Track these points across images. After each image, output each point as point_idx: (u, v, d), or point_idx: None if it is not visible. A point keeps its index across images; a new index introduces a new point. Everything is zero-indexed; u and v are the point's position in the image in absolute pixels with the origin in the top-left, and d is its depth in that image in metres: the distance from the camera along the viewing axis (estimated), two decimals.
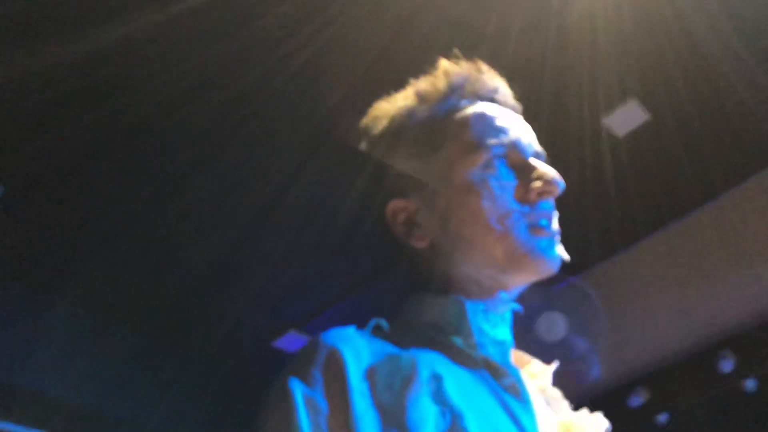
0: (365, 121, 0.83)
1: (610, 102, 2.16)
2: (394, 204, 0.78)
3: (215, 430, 2.94)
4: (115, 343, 2.74)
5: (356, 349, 0.64)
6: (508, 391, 0.68)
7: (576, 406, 0.78)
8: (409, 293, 0.79)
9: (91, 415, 2.62)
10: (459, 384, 0.65)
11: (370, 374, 0.62)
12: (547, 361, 0.80)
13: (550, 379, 0.77)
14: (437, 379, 0.63)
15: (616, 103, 2.18)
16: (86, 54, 1.87)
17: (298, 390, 0.59)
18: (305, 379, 0.60)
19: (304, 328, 2.88)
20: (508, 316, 0.77)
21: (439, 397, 0.62)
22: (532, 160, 0.77)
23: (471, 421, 0.61)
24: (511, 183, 0.75)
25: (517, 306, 0.77)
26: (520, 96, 0.84)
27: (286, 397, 0.59)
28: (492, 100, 0.81)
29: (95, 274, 2.54)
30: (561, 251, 0.75)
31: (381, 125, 0.81)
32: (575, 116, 2.16)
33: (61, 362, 2.62)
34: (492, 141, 0.76)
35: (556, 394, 0.76)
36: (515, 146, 0.77)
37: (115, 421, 2.67)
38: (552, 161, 0.80)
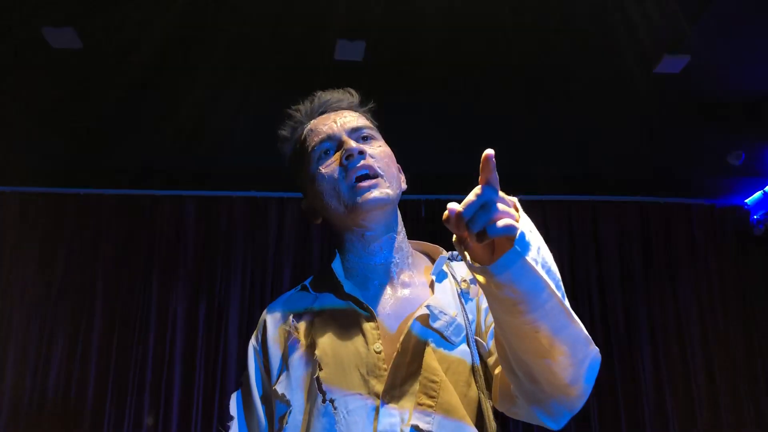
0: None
1: None
2: (303, 204, 1.22)
3: None
4: None
5: (274, 312, 1.16)
6: (361, 309, 1.08)
7: None
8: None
9: None
10: (330, 314, 1.10)
11: (280, 329, 1.13)
12: None
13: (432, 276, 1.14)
14: (311, 315, 1.11)
15: None
16: None
17: (250, 344, 1.16)
18: (254, 337, 1.16)
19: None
20: (384, 244, 1.15)
21: (311, 329, 1.09)
22: (344, 137, 1.13)
23: (322, 344, 1.06)
24: (333, 163, 1.11)
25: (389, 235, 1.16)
26: None
27: (247, 347, 1.17)
28: (325, 110, 1.19)
29: None
30: (379, 192, 1.09)
31: (282, 152, 1.23)
32: None
33: None
34: (315, 142, 1.15)
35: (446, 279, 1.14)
36: (330, 137, 1.14)
37: None
38: None
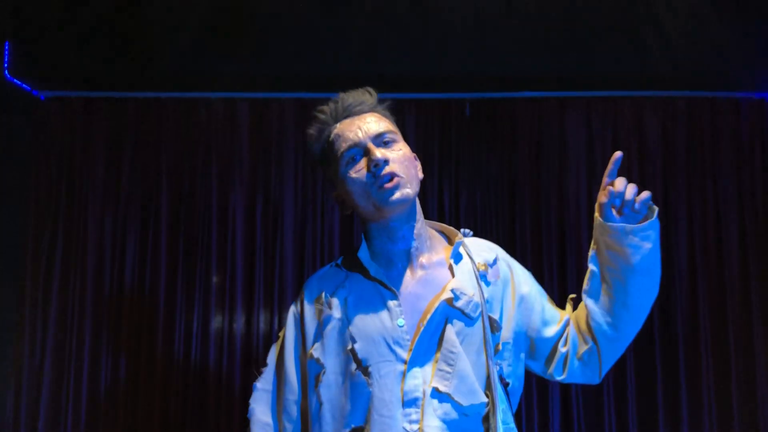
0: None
1: None
2: (333, 195, 1.45)
3: None
4: None
5: (311, 288, 1.44)
6: (386, 289, 1.35)
7: None
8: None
9: None
10: (360, 293, 1.37)
11: (315, 303, 1.41)
12: None
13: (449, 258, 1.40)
14: (346, 293, 1.38)
15: None
16: None
17: (290, 310, 1.47)
18: (294, 305, 1.46)
19: None
20: (405, 233, 1.38)
21: (344, 308, 1.36)
22: (370, 145, 1.34)
23: (354, 320, 1.33)
24: (361, 169, 1.34)
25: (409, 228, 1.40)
26: None
27: (288, 313, 1.47)
28: (349, 114, 1.40)
29: None
30: (401, 193, 1.33)
31: (311, 151, 1.45)
32: None
33: None
34: (343, 148, 1.36)
35: (462, 263, 1.40)
36: (356, 144, 1.35)
37: None
38: None
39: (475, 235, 1.51)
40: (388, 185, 1.32)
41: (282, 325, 2.99)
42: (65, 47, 3.00)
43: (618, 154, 1.33)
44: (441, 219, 3.11)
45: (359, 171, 1.34)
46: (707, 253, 3.14)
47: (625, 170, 3.17)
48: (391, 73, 3.12)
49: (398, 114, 3.14)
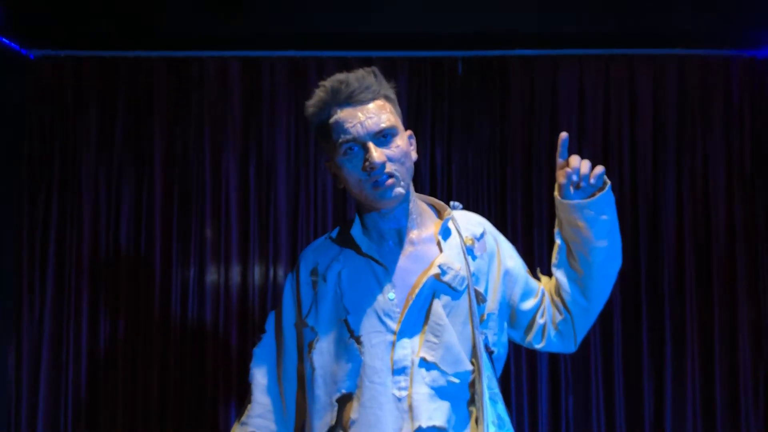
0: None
1: None
2: (326, 164, 1.47)
3: None
4: None
5: (306, 260, 1.51)
6: (378, 265, 1.42)
7: None
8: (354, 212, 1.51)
9: None
10: (353, 268, 1.43)
11: (311, 274, 1.48)
12: None
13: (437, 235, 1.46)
14: (340, 267, 1.44)
15: None
16: None
17: (287, 279, 1.54)
18: (291, 274, 1.53)
19: None
20: (397, 214, 1.44)
21: (338, 281, 1.42)
22: (370, 145, 1.36)
23: (348, 293, 1.41)
24: (358, 162, 1.37)
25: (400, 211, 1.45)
26: None
27: (285, 283, 1.55)
28: (352, 100, 1.37)
29: None
30: (394, 193, 1.37)
31: (309, 120, 1.45)
32: None
33: None
34: (342, 139, 1.37)
35: (449, 238, 1.46)
36: (356, 139, 1.36)
37: None
38: None
39: (467, 196, 1.58)
40: (383, 186, 1.37)
41: (276, 278, 3.13)
42: (55, 6, 2.97)
43: (564, 135, 1.42)
44: (433, 180, 3.15)
45: (356, 164, 1.38)
46: (695, 209, 3.20)
47: (617, 128, 3.21)
48: (384, 31, 3.11)
49: (390, 72, 3.17)
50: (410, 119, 3.18)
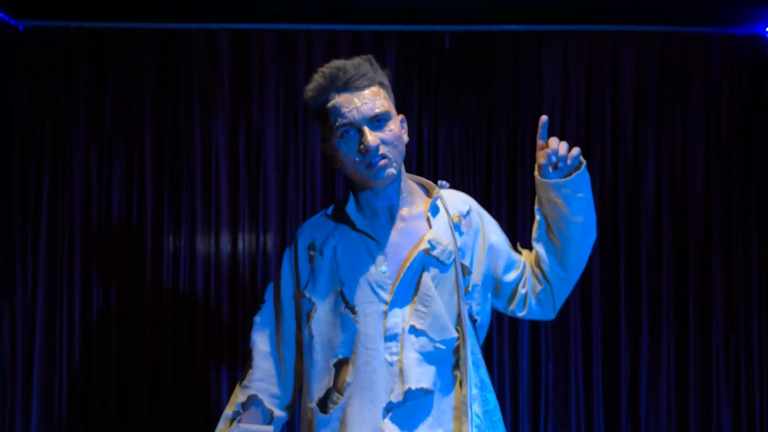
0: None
1: None
2: (322, 145, 1.56)
3: None
4: None
5: (303, 235, 1.60)
6: (371, 240, 1.51)
7: None
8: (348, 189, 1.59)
9: None
10: (348, 243, 1.53)
11: (308, 249, 1.57)
12: None
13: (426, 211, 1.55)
14: (335, 242, 1.53)
15: None
16: None
17: (285, 253, 1.62)
18: (289, 249, 1.62)
19: None
20: (389, 192, 1.53)
21: (334, 255, 1.52)
22: (365, 129, 1.45)
23: (343, 266, 1.51)
24: (353, 144, 1.46)
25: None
26: None
27: (282, 256, 1.63)
28: (349, 86, 1.46)
29: None
30: (386, 173, 1.47)
31: (307, 104, 1.53)
32: None
33: None
34: (339, 123, 1.46)
35: (438, 215, 1.55)
36: (352, 123, 1.45)
37: None
38: None
39: (452, 169, 1.66)
40: (376, 167, 1.46)
41: (266, 246, 3.20)
42: None
43: (544, 118, 1.53)
44: (420, 154, 3.22)
45: (351, 146, 1.47)
46: (673, 180, 3.31)
47: (599, 102, 3.29)
48: (372, 5, 3.14)
49: (378, 47, 3.21)
50: (398, 94, 3.20)
